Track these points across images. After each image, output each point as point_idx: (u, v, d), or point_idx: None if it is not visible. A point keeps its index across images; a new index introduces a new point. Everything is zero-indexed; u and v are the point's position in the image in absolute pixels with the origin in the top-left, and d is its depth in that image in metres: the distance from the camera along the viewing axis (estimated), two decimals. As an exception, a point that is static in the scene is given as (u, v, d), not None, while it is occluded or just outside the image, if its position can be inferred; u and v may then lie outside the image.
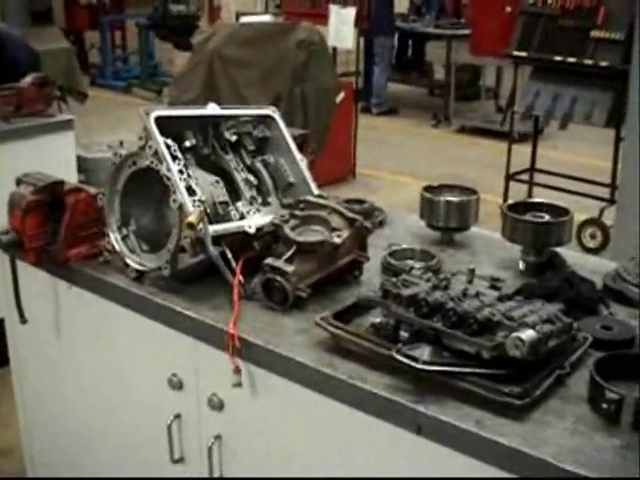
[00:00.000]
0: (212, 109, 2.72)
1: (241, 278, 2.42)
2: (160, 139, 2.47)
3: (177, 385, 2.56)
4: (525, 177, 8.16)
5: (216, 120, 2.73)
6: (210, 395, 2.46)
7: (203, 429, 2.54)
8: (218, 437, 2.49)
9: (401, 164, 9.82)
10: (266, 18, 8.19)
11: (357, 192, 7.10)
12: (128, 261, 2.62)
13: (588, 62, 7.10)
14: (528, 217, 2.69)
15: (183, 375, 2.54)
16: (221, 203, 2.54)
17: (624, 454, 1.81)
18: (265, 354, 2.25)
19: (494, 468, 1.88)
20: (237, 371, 2.29)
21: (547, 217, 2.71)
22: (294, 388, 2.22)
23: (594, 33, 7.09)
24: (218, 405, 2.45)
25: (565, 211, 2.72)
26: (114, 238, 2.65)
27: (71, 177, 4.81)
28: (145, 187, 2.59)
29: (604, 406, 1.92)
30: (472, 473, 1.93)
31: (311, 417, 2.26)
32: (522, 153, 8.28)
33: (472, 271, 2.32)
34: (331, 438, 2.23)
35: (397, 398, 2.01)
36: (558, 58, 7.28)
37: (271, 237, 2.55)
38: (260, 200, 2.68)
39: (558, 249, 2.72)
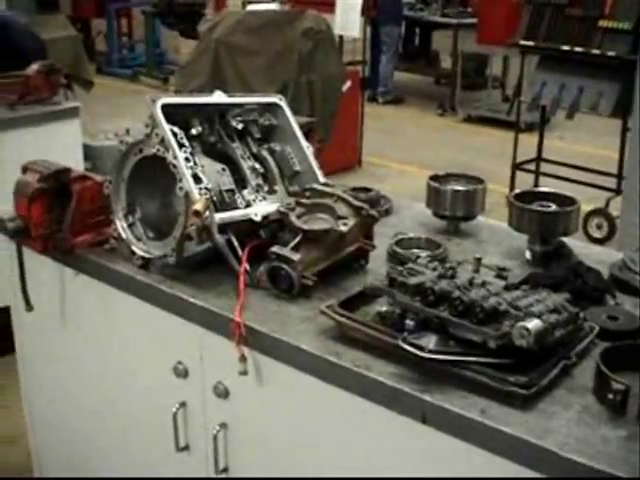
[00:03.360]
0: (218, 97, 2.72)
1: (247, 266, 2.42)
2: (166, 127, 2.46)
3: (182, 373, 2.56)
4: (531, 167, 8.14)
5: (222, 108, 2.73)
6: (215, 383, 2.46)
7: (208, 417, 2.54)
8: (223, 425, 2.49)
9: (407, 153, 9.81)
10: (273, 6, 8.14)
11: (363, 181, 7.08)
12: (134, 249, 2.62)
13: (595, 52, 7.08)
14: (535, 206, 2.69)
15: (188, 363, 2.54)
16: (227, 191, 2.54)
17: (629, 445, 1.80)
18: (271, 342, 2.25)
19: (499, 457, 1.88)
20: (243, 359, 2.29)
21: (554, 206, 2.70)
22: (299, 376, 2.22)
23: (602, 23, 7.06)
24: (223, 393, 2.45)
25: (572, 201, 2.71)
26: (120, 226, 2.65)
27: (77, 165, 4.81)
28: (151, 175, 2.59)
29: (610, 397, 1.91)
30: (477, 462, 1.93)
31: (316, 405, 2.26)
32: (528, 143, 8.27)
33: (478, 260, 2.31)
34: (336, 426, 2.24)
35: (402, 387, 2.01)
36: (565, 48, 7.26)
37: (277, 225, 2.55)
38: (266, 188, 2.68)
39: (564, 239, 2.72)
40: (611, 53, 6.98)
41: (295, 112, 2.92)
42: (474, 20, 11.33)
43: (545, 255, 2.66)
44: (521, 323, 1.94)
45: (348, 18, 8.85)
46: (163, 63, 14.17)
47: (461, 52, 11.93)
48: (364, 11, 9.34)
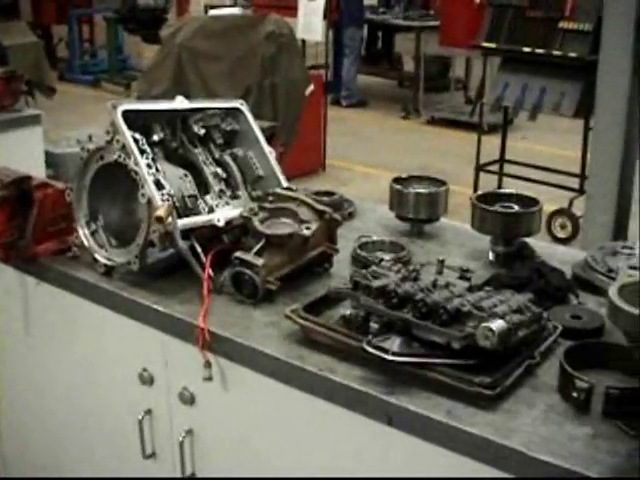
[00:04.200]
0: (180, 102, 2.71)
1: (210, 272, 2.42)
2: (128, 133, 2.45)
3: (148, 380, 2.55)
4: (495, 168, 8.19)
5: (184, 113, 2.72)
6: (181, 389, 2.45)
7: (174, 424, 2.53)
8: (190, 432, 2.48)
9: (371, 156, 9.83)
10: (235, 11, 8.14)
11: (327, 184, 7.09)
12: (97, 256, 2.61)
13: (557, 53, 7.13)
14: (497, 208, 2.70)
15: (153, 370, 2.53)
16: (190, 197, 2.53)
17: (595, 442, 1.82)
18: (235, 347, 2.25)
19: (465, 458, 1.89)
20: (207, 365, 2.29)
21: (516, 207, 2.72)
22: (264, 381, 2.21)
23: (562, 24, 7.12)
24: (189, 399, 2.44)
25: (534, 201, 2.73)
26: (83, 233, 2.63)
27: (39, 172, 4.77)
28: (113, 182, 2.58)
29: (574, 395, 1.93)
30: (443, 463, 1.94)
31: (281, 409, 2.26)
32: (492, 144, 8.31)
33: (442, 262, 2.32)
34: (302, 430, 2.23)
35: (367, 389, 2.01)
36: (527, 49, 7.32)
37: (240, 230, 2.54)
38: (229, 193, 2.67)
39: (528, 239, 2.73)
40: (572, 54, 7.03)
41: (258, 116, 2.91)
42: (436, 23, 11.36)
43: (508, 256, 2.67)
44: (485, 324, 1.94)
45: (310, 22, 8.86)
46: (126, 69, 14.10)
47: (424, 55, 11.98)
48: (326, 15, 9.35)
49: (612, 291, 1.66)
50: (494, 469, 1.85)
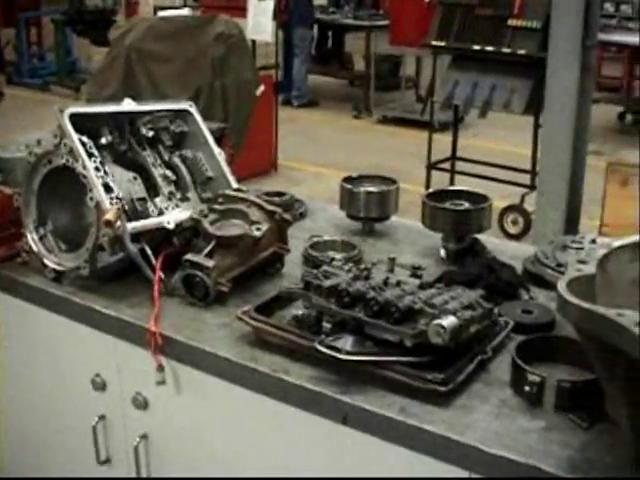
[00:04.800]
0: (128, 105, 2.69)
1: (161, 274, 2.40)
2: (75, 137, 2.44)
3: (100, 385, 2.53)
4: (446, 166, 8.22)
5: (132, 116, 2.70)
6: (134, 394, 2.43)
7: (128, 429, 2.52)
8: (144, 436, 2.47)
9: (323, 156, 9.83)
10: (184, 12, 8.09)
11: (279, 185, 7.08)
12: (46, 261, 2.59)
13: (506, 50, 7.18)
14: (447, 205, 2.71)
15: (106, 375, 2.52)
16: (139, 199, 2.52)
17: (548, 435, 1.84)
18: (187, 350, 2.24)
19: (422, 455, 1.89)
20: (160, 369, 2.28)
21: (466, 204, 2.73)
22: (218, 383, 2.21)
23: (511, 22, 7.16)
24: (143, 404, 2.43)
25: (484, 198, 2.74)
26: (31, 238, 2.61)
27: (-13, 178, 4.72)
28: (62, 186, 2.56)
29: (526, 389, 1.95)
30: (400, 461, 1.95)
31: (236, 411, 2.25)
32: (444, 142, 8.35)
33: (393, 260, 2.32)
34: (257, 431, 2.23)
35: (321, 389, 2.01)
36: (476, 47, 7.35)
37: (191, 232, 2.53)
38: (179, 195, 2.66)
39: (479, 236, 2.74)
40: (521, 51, 7.08)
41: (209, 117, 2.90)
42: (386, 22, 11.39)
43: (459, 253, 2.68)
44: (436, 321, 1.95)
45: (260, 22, 8.84)
46: (75, 72, 13.97)
47: (374, 54, 12.01)
48: (276, 15, 9.34)
49: (561, 285, 1.67)
50: (451, 465, 1.86)
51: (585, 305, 1.59)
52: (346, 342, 2.02)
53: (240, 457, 2.30)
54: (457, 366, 1.99)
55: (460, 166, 8.17)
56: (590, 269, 1.76)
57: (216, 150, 2.77)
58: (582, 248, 2.58)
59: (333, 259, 2.41)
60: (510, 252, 2.76)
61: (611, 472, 1.72)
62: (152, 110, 2.76)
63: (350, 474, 2.06)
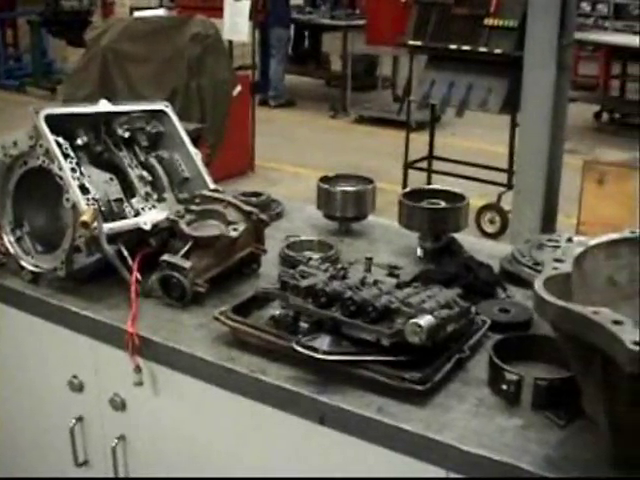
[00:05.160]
0: (103, 106, 2.68)
1: (138, 275, 2.40)
2: (51, 138, 2.42)
3: (78, 387, 2.52)
4: (424, 165, 8.24)
5: (108, 117, 2.69)
6: (112, 395, 2.42)
7: (106, 430, 2.50)
8: (122, 438, 2.46)
9: (300, 156, 9.83)
10: (160, 12, 8.09)
11: (257, 185, 7.06)
12: (23, 263, 2.57)
13: (482, 49, 7.19)
14: (424, 204, 2.71)
15: (83, 377, 2.50)
16: (115, 200, 2.51)
17: (525, 433, 1.84)
18: (165, 351, 2.23)
19: (400, 454, 1.90)
20: (137, 370, 2.27)
21: (443, 203, 2.73)
22: (195, 384, 2.20)
23: (487, 21, 7.18)
24: (120, 405, 2.42)
25: (461, 197, 2.75)
26: (7, 240, 2.60)
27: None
28: (38, 187, 2.55)
29: (504, 387, 1.95)
30: (379, 461, 1.95)
31: (214, 412, 2.25)
32: (421, 141, 8.37)
33: (370, 260, 2.33)
34: (235, 432, 2.22)
35: (299, 389, 2.01)
36: (453, 46, 7.36)
37: (167, 233, 2.52)
38: (155, 196, 2.65)
39: (456, 235, 2.75)
40: (498, 50, 7.09)
41: (185, 118, 2.90)
42: (363, 22, 11.41)
43: (436, 252, 2.69)
44: (413, 320, 1.95)
45: (236, 22, 8.82)
46: (51, 73, 13.92)
47: (351, 54, 12.04)
48: (252, 15, 9.33)
49: (538, 284, 1.68)
50: (429, 464, 1.86)
51: (561, 303, 1.60)
52: (323, 342, 2.02)
53: (218, 457, 2.29)
54: (434, 365, 1.99)
55: (437, 165, 8.19)
56: (566, 267, 1.77)
57: (192, 151, 2.77)
58: (558, 246, 2.60)
59: (310, 259, 2.41)
60: (487, 251, 2.76)
61: (589, 469, 1.72)
62: (128, 111, 2.75)
63: (329, 474, 2.06)
